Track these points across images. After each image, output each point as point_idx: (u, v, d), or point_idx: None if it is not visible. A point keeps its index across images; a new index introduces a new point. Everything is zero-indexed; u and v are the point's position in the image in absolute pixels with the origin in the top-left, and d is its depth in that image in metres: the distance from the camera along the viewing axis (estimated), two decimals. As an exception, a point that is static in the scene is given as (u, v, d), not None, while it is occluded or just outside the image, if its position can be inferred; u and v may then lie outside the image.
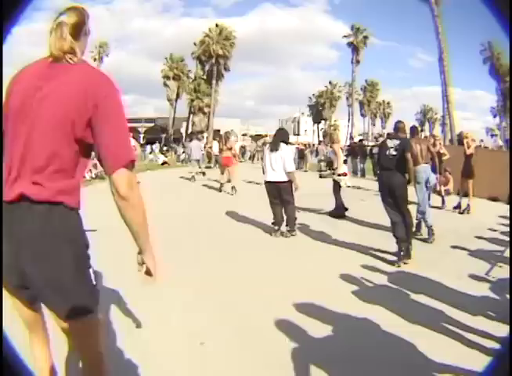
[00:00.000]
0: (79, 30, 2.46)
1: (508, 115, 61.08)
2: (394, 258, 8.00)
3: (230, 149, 18.25)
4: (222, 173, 18.55)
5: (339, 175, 12.39)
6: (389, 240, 8.57)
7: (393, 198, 8.14)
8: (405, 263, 7.75)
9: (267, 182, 9.96)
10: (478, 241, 9.64)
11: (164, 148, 49.70)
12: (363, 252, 8.57)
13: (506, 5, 1.99)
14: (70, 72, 2.33)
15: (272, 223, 10.04)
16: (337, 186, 12.60)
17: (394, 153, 8.17)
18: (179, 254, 8.04)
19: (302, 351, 4.37)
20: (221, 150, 18.92)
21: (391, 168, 8.17)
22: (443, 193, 14.69)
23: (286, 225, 9.93)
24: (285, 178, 9.67)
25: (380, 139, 22.88)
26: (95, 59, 70.55)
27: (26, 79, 2.37)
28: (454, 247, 9.04)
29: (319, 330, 4.79)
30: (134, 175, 2.32)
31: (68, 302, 2.32)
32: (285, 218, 10.01)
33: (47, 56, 2.37)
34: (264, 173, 10.09)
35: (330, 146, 14.32)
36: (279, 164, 9.63)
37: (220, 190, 18.16)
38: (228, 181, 18.19)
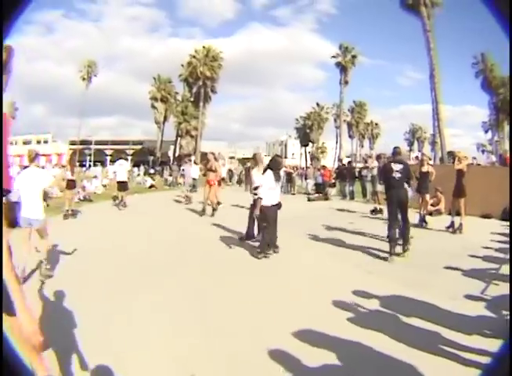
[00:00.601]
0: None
1: (501, 129, 61.36)
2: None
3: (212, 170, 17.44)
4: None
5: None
6: (376, 261, 9.16)
7: (400, 209, 10.12)
8: (392, 257, 9.58)
9: None
10: (472, 260, 9.53)
11: (151, 171, 49.55)
12: (352, 275, 8.50)
13: (506, 5, 2.01)
14: None
15: (258, 246, 10.29)
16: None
17: (400, 175, 10.13)
18: (171, 280, 8.04)
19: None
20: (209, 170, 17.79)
21: (399, 186, 10.14)
22: (422, 212, 14.70)
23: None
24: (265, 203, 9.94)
25: (370, 161, 22.75)
26: (84, 79, 71.29)
27: None
28: (447, 267, 8.89)
29: (315, 358, 4.65)
30: None
31: None
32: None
33: None
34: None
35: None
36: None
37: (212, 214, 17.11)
38: (218, 203, 17.86)
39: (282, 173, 10.58)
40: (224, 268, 9.00)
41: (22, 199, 7.85)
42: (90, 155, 72.37)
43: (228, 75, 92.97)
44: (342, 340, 5.14)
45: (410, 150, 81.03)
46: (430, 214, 15.64)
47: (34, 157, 8.48)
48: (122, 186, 20.30)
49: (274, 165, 10.25)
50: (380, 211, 17.41)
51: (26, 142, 78.63)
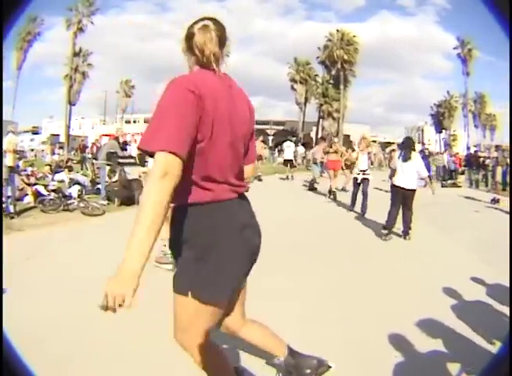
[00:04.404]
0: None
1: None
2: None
3: (336, 152, 17.85)
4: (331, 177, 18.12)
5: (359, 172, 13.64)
6: (491, 250, 8.79)
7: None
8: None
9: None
10: None
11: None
12: (469, 263, 8.14)
13: (506, 5, 2.08)
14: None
15: (384, 227, 10.26)
16: (355, 182, 13.93)
17: None
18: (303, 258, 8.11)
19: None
20: (327, 153, 18.50)
21: None
22: None
23: (403, 231, 10.27)
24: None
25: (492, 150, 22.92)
26: None
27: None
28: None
29: (427, 345, 4.51)
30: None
31: None
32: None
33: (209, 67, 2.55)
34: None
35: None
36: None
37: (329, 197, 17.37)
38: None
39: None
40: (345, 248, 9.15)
41: None
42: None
43: (368, 60, 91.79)
44: (452, 329, 4.93)
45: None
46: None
47: None
48: (289, 163, 24.50)
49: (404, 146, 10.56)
50: (498, 201, 17.28)
51: (148, 121, 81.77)
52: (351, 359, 4.18)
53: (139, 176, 14.62)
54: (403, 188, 10.05)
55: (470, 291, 6.27)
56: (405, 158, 10.10)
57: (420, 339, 4.59)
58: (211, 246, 2.41)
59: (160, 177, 2.08)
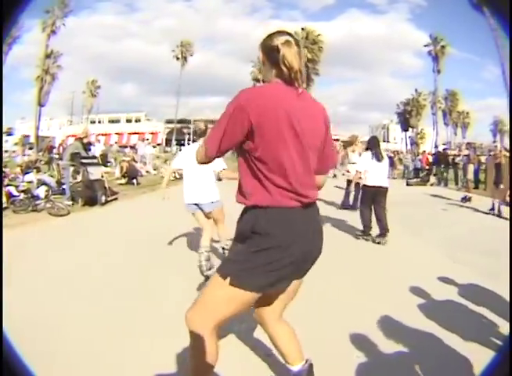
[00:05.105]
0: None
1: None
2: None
3: None
4: None
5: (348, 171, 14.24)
6: (461, 250, 8.71)
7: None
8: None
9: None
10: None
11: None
12: (439, 263, 8.02)
13: (506, 5, 2.04)
14: None
15: (362, 231, 10.10)
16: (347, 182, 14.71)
17: None
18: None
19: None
20: None
21: None
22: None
23: (380, 234, 9.82)
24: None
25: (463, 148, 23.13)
26: (177, 59, 72.76)
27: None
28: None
29: (389, 345, 4.42)
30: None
31: None
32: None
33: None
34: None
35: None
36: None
37: None
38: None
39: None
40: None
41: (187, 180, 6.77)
42: (189, 134, 73.59)
43: (334, 58, 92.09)
44: (416, 329, 4.80)
45: (494, 142, 78.02)
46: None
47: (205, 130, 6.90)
48: None
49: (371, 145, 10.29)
50: (469, 199, 17.28)
51: (113, 121, 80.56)
52: (312, 359, 3.85)
53: (102, 176, 14.99)
54: (379, 186, 9.81)
55: (440, 291, 6.15)
56: (380, 158, 9.90)
57: (383, 339, 4.51)
58: (262, 248, 2.58)
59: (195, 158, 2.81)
